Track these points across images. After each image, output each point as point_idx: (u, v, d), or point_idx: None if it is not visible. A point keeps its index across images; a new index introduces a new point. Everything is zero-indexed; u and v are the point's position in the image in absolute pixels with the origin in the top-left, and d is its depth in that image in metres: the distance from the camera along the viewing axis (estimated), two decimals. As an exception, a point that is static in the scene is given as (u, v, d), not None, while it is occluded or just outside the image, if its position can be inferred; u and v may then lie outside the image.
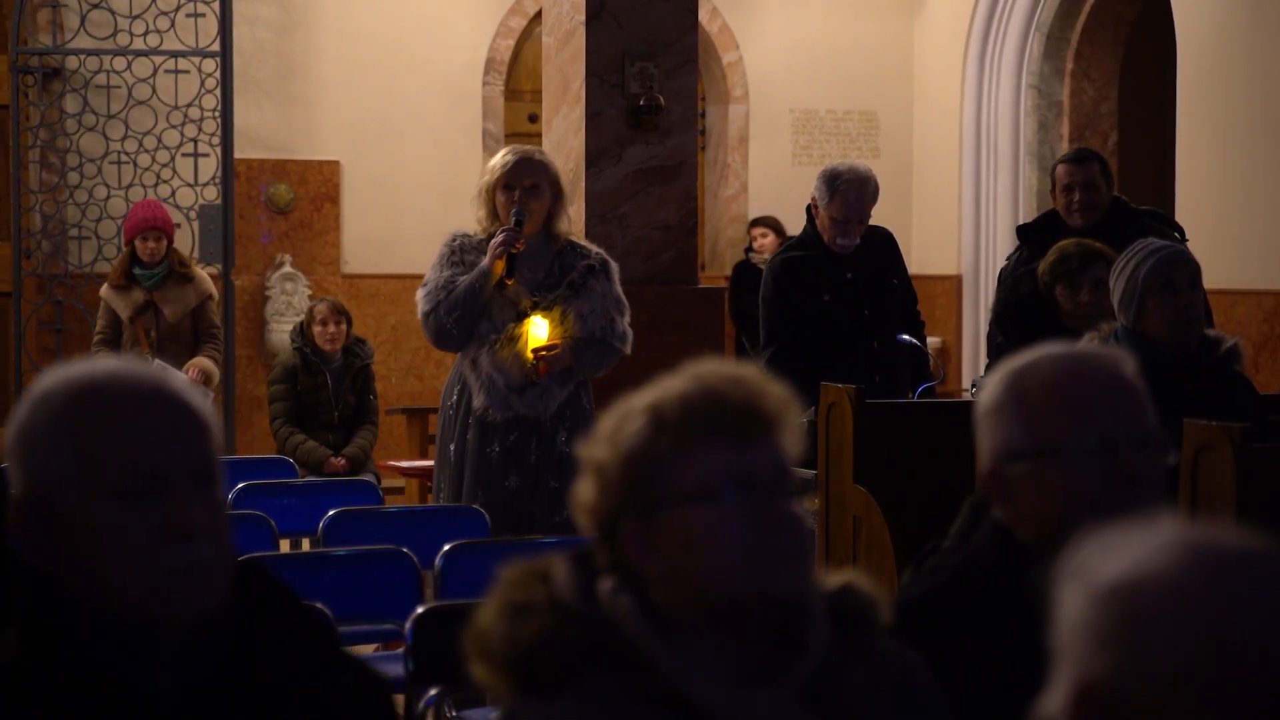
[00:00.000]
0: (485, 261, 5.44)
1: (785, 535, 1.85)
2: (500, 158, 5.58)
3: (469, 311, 5.45)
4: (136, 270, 7.80)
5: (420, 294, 5.55)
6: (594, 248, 5.68)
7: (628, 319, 5.60)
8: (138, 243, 7.81)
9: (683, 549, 1.84)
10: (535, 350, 5.41)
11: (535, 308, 5.46)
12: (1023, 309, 5.43)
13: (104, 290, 7.92)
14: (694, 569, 1.84)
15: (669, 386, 1.88)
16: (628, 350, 5.58)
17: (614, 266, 5.62)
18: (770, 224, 10.52)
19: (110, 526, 1.79)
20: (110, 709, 1.79)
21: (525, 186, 5.50)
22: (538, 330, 5.43)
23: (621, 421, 1.89)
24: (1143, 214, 6.13)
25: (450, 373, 5.70)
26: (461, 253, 5.54)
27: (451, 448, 5.58)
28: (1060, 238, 5.72)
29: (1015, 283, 5.71)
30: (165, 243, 7.83)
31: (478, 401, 5.48)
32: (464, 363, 5.58)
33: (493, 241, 5.44)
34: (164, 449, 1.81)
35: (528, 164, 5.54)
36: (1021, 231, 6.29)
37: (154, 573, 1.79)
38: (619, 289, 5.61)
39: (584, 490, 1.90)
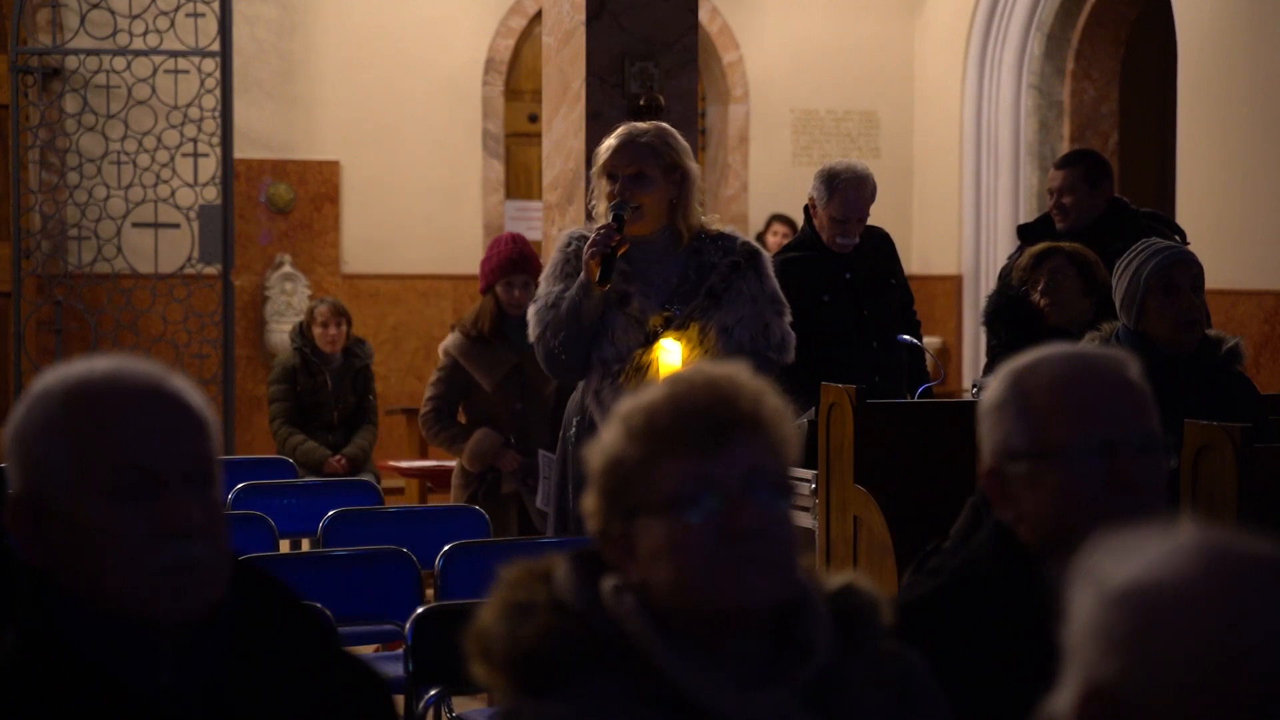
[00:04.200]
0: (584, 272, 4.57)
1: (753, 544, 1.84)
2: (607, 140, 4.68)
3: (576, 332, 4.57)
4: (505, 324, 6.18)
5: (531, 312, 4.72)
6: (739, 235, 4.77)
7: (788, 318, 4.71)
8: (500, 289, 6.17)
9: (652, 559, 1.85)
10: None
11: (668, 325, 4.57)
12: (1010, 309, 5.47)
13: (453, 344, 6.25)
14: (662, 579, 1.84)
15: (643, 395, 1.89)
16: (789, 357, 4.68)
17: (765, 257, 4.74)
18: (789, 222, 10.52)
19: (104, 525, 1.79)
20: (109, 709, 1.79)
21: (628, 175, 4.60)
22: (669, 356, 4.53)
23: (607, 428, 1.90)
24: (1143, 216, 6.15)
25: (572, 397, 4.88)
26: (577, 260, 4.62)
27: (570, 489, 4.76)
28: (1060, 237, 5.75)
29: (1004, 285, 5.75)
30: (534, 290, 5.89)
31: None
32: (587, 394, 4.68)
33: (587, 243, 4.56)
34: (158, 447, 1.81)
35: (628, 148, 4.60)
36: (1022, 231, 6.31)
37: (147, 571, 1.79)
38: (773, 283, 4.69)
39: (587, 493, 1.92)
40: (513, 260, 6.17)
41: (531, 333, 4.67)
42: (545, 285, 4.69)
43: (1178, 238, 5.90)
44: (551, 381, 6.05)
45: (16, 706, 1.77)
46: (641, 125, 4.74)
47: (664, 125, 4.77)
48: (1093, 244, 5.56)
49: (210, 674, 1.84)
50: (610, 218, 4.55)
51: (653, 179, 4.60)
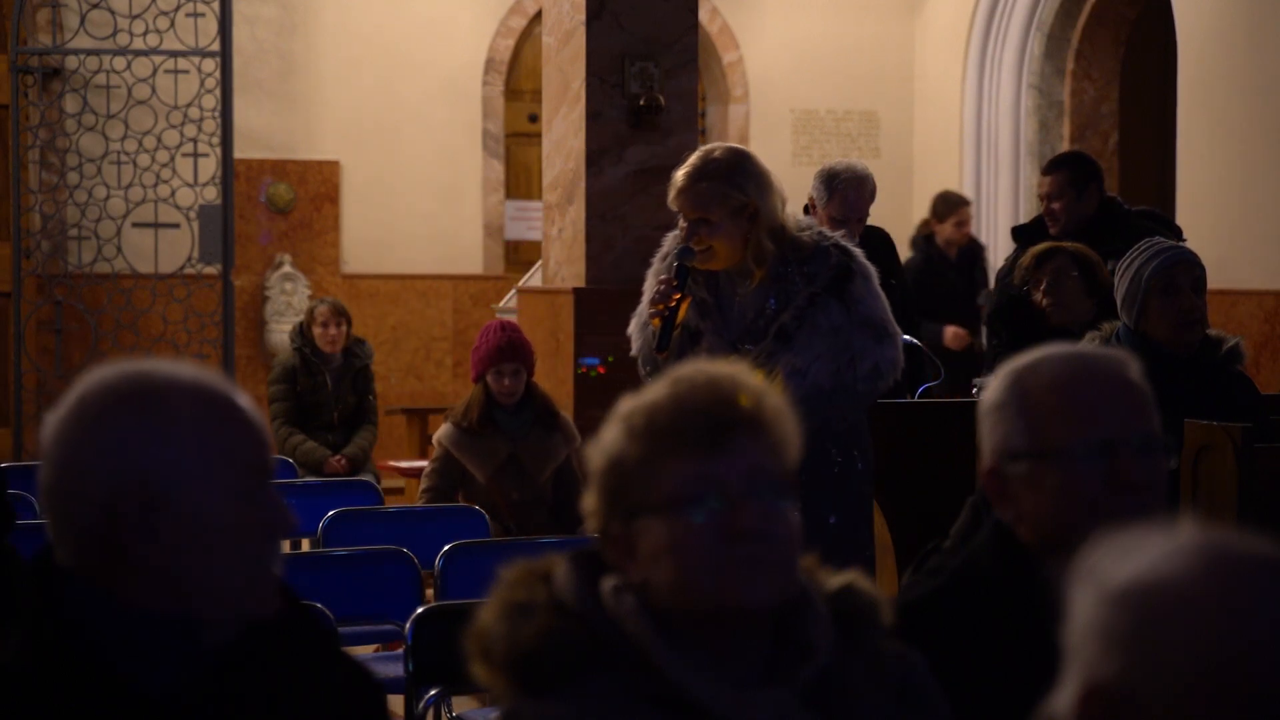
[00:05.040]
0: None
1: (754, 545, 1.83)
2: (677, 170, 4.42)
3: (655, 368, 4.36)
4: (496, 413, 6.06)
5: (632, 325, 4.51)
6: (835, 253, 4.32)
7: (890, 339, 4.29)
8: (490, 378, 6.06)
9: (653, 559, 1.85)
10: None
11: None
12: (1012, 309, 5.47)
13: (445, 434, 6.13)
14: (663, 579, 1.84)
15: (646, 394, 1.89)
16: (885, 384, 4.31)
17: (859, 276, 4.30)
18: None
19: (232, 524, 1.82)
20: (108, 709, 1.79)
21: (691, 221, 4.33)
22: None
23: (606, 427, 1.89)
24: (1137, 215, 6.15)
25: None
26: (668, 271, 4.40)
27: None
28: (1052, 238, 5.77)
29: (1005, 285, 5.75)
30: (525, 377, 6.10)
31: None
32: None
33: (649, 299, 4.36)
34: (265, 449, 1.87)
35: (690, 194, 4.32)
36: (1016, 233, 6.32)
37: (258, 568, 1.85)
38: (867, 306, 4.28)
39: (587, 493, 1.92)
40: (501, 349, 6.06)
41: (632, 346, 4.50)
42: (646, 293, 4.43)
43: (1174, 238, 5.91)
44: (547, 467, 6.01)
45: (16, 707, 1.77)
46: (715, 156, 4.36)
47: (736, 155, 4.39)
48: (1088, 245, 5.57)
49: (211, 674, 1.84)
50: (674, 271, 4.33)
51: (718, 224, 4.29)
